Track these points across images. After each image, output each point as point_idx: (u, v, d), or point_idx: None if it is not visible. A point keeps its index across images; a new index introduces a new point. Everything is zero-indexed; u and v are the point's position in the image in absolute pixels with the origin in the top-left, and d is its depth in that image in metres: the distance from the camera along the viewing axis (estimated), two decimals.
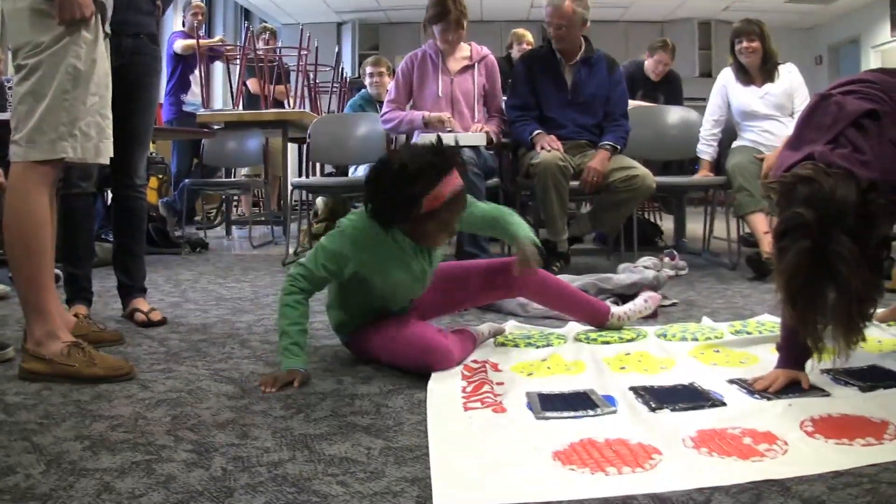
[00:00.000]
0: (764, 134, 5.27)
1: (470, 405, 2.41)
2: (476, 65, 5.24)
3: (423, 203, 2.65)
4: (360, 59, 13.54)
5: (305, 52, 9.09)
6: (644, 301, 3.57)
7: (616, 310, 3.44)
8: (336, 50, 11.41)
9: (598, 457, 1.97)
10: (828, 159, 2.34)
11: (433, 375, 2.71)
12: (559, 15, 4.90)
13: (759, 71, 5.37)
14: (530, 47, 7.25)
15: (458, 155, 2.74)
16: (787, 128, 4.99)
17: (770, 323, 3.42)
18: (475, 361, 2.91)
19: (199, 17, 8.66)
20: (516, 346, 3.19)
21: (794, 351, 2.58)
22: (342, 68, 11.13)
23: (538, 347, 3.12)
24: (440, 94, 5.15)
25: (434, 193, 2.63)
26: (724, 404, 2.40)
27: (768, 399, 2.45)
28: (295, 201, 7.76)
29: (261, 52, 8.64)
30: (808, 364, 2.58)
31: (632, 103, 5.97)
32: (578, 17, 4.92)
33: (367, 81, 7.51)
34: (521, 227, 3.08)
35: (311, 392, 2.55)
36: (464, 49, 5.26)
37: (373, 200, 2.80)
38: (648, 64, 6.95)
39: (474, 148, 4.86)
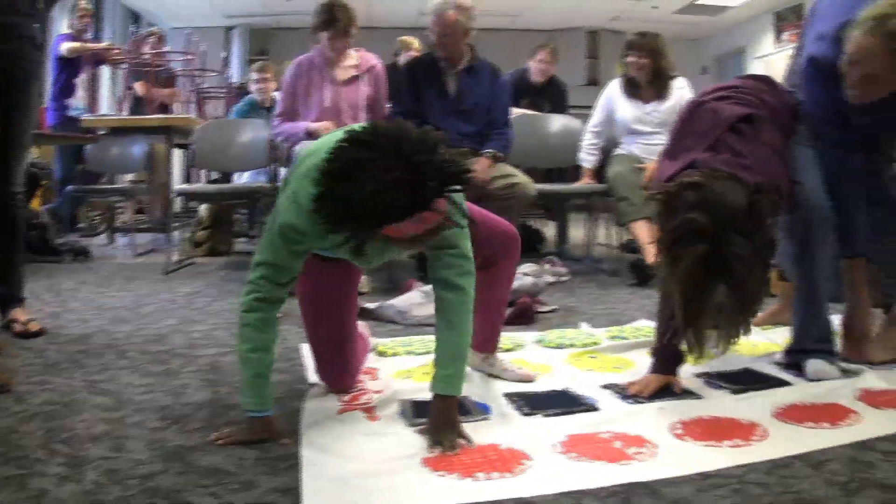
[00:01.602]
0: (646, 146, 5.36)
1: (345, 410, 2.45)
2: (364, 74, 5.24)
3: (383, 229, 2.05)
4: (249, 64, 13.38)
5: (192, 57, 8.99)
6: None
7: (501, 357, 2.96)
8: (224, 55, 11.28)
9: (468, 462, 2.01)
10: (711, 165, 2.42)
11: (310, 384, 2.75)
12: (442, 23, 4.91)
13: (649, 86, 5.44)
14: (417, 55, 7.25)
15: (445, 191, 2.00)
16: None
17: (647, 328, 3.50)
18: None
19: (86, 20, 8.47)
20: (396, 354, 3.21)
21: (667, 356, 2.66)
22: (229, 73, 11.01)
23: (418, 355, 3.15)
24: (327, 104, 5.11)
25: (397, 227, 1.97)
26: (596, 409, 2.46)
27: (640, 403, 2.51)
28: (181, 209, 7.68)
29: (147, 57, 8.51)
30: (682, 368, 2.67)
31: (516, 111, 6.03)
32: (462, 25, 4.92)
33: (252, 87, 7.44)
34: (454, 352, 2.29)
35: (187, 403, 2.54)
36: (352, 57, 5.21)
37: (323, 200, 2.00)
38: (531, 66, 7.00)
39: None
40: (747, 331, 2.32)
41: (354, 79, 5.15)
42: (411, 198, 1.89)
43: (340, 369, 2.66)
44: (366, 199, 1.86)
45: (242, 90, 9.49)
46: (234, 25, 14.41)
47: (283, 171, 5.82)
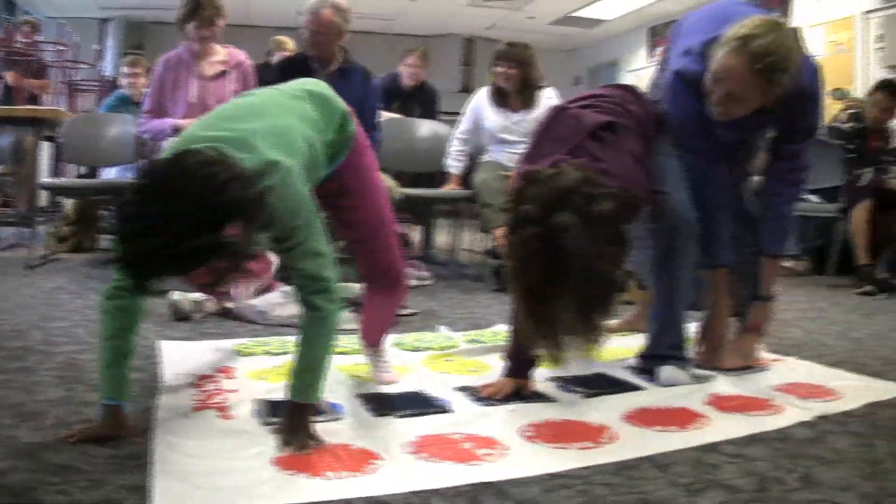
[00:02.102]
0: (512, 155, 5.36)
1: (198, 409, 2.43)
2: (231, 70, 5.17)
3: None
4: (124, 57, 13.02)
5: (64, 48, 8.77)
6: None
7: (385, 355, 2.97)
8: (97, 47, 11.02)
9: (318, 461, 2.01)
10: (564, 164, 2.42)
11: (165, 382, 2.70)
12: (317, 22, 4.87)
13: (516, 96, 5.49)
14: (290, 55, 7.18)
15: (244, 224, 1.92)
16: None
17: (503, 333, 3.52)
18: (206, 376, 2.85)
19: None
20: (253, 354, 3.19)
21: (520, 359, 2.69)
22: (102, 66, 10.76)
23: (275, 355, 3.13)
24: (193, 100, 5.03)
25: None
26: (449, 411, 2.48)
27: (493, 406, 2.54)
28: (47, 203, 7.47)
29: (19, 45, 8.27)
30: (536, 372, 2.71)
31: (386, 115, 6.04)
32: (336, 26, 4.89)
33: (122, 82, 7.25)
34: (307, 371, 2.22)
35: (41, 400, 2.47)
36: (219, 53, 5.14)
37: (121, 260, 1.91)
38: (402, 70, 7.02)
39: None
40: (596, 328, 2.33)
41: (222, 74, 5.10)
42: (204, 246, 1.83)
43: None
44: (161, 255, 1.80)
45: (115, 84, 9.29)
46: (109, 17, 14.06)
47: None
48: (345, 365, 2.97)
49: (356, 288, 3.04)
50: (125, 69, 7.20)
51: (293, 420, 2.18)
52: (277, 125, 2.26)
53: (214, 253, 1.85)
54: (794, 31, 2.72)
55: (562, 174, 2.29)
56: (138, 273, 1.88)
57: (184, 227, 1.80)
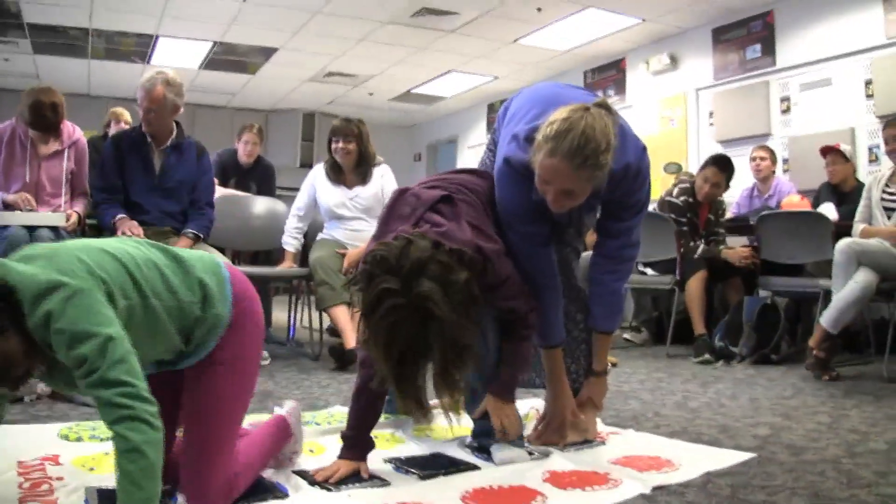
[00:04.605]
0: (349, 231, 5.44)
1: (25, 500, 2.30)
2: (66, 149, 5.08)
3: None
4: None
5: None
6: None
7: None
8: None
9: None
10: (402, 233, 2.46)
11: None
12: (150, 99, 4.83)
13: (353, 172, 5.52)
14: (127, 126, 7.07)
15: None
16: (372, 227, 5.16)
17: (339, 414, 3.50)
18: (30, 465, 2.69)
19: None
20: (80, 439, 3.07)
21: (357, 441, 2.68)
22: None
23: (102, 441, 3.01)
24: (28, 179, 4.94)
25: None
26: (285, 496, 2.42)
27: (328, 490, 2.50)
28: None
29: None
30: (372, 453, 2.69)
31: (223, 191, 5.99)
32: (170, 102, 4.85)
33: None
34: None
35: None
36: None
37: None
38: (238, 147, 6.99)
39: (54, 229, 4.71)
40: (458, 389, 2.38)
41: (58, 153, 5.01)
42: None
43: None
44: None
45: None
46: None
47: None
48: None
49: None
50: None
51: None
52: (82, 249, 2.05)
53: None
54: (605, 107, 2.73)
55: (411, 244, 2.34)
56: None
57: None
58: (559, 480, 2.63)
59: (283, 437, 2.65)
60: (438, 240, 2.42)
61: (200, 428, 2.22)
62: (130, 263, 2.06)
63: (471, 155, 13.82)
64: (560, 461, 2.86)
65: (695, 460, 2.87)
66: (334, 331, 5.62)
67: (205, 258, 2.31)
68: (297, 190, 5.79)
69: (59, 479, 2.53)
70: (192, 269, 2.20)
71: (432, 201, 2.74)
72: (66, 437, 3.09)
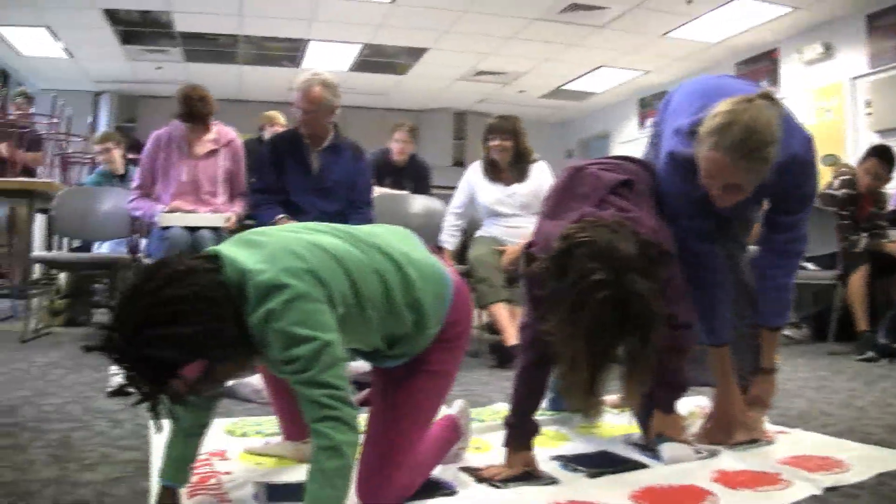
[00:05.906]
0: (507, 229, 5.39)
1: (194, 494, 2.32)
2: (221, 148, 5.19)
3: None
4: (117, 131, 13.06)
5: (57, 120, 8.77)
6: None
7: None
8: (90, 120, 11.05)
9: None
10: (598, 215, 2.41)
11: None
12: (307, 100, 4.87)
13: (510, 169, 5.48)
14: (281, 129, 7.19)
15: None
16: (531, 223, 5.13)
17: (504, 411, 3.45)
18: (198, 459, 2.75)
19: None
20: (245, 435, 3.10)
21: (522, 426, 2.67)
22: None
23: (268, 436, 3.03)
24: (184, 178, 5.08)
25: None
26: (454, 492, 2.40)
27: (496, 487, 2.47)
28: (41, 275, 7.44)
29: (12, 117, 8.26)
30: (539, 451, 2.66)
31: (379, 190, 6.02)
32: (327, 103, 4.89)
33: (98, 158, 7.34)
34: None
35: (34, 479, 2.39)
36: (209, 131, 5.19)
37: None
38: (391, 146, 7.03)
39: (215, 229, 4.83)
40: (648, 382, 2.32)
41: (213, 153, 5.13)
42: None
43: None
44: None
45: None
46: (102, 91, 14.14)
47: (143, 243, 5.73)
48: None
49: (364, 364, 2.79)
50: (96, 147, 7.30)
51: None
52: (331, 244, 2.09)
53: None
54: (769, 98, 2.67)
55: (615, 232, 2.25)
56: None
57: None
58: (729, 480, 2.55)
59: (454, 437, 2.64)
60: (636, 229, 2.31)
61: (389, 429, 2.24)
62: (354, 270, 2.06)
63: (623, 150, 13.64)
64: (729, 461, 2.77)
65: (865, 461, 2.75)
66: (492, 327, 5.58)
67: (435, 276, 2.31)
68: (449, 188, 5.79)
69: (227, 473, 2.56)
70: (413, 286, 2.20)
71: (614, 183, 2.68)
72: (231, 433, 3.12)
